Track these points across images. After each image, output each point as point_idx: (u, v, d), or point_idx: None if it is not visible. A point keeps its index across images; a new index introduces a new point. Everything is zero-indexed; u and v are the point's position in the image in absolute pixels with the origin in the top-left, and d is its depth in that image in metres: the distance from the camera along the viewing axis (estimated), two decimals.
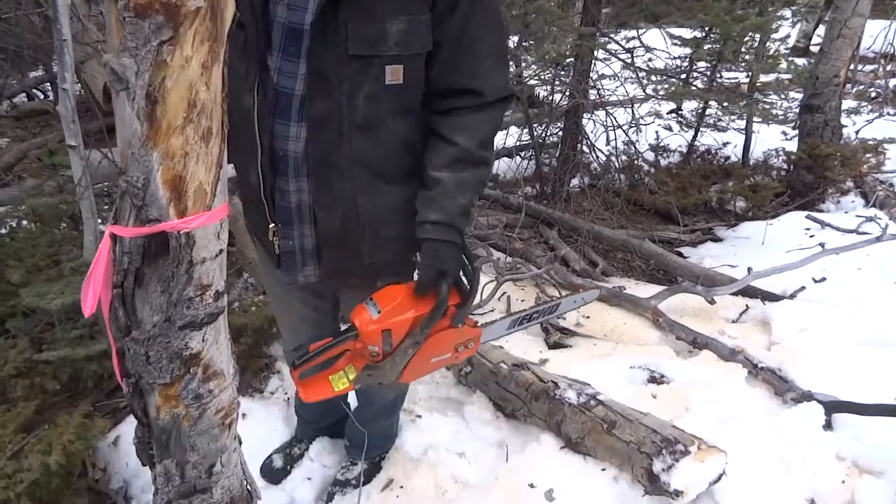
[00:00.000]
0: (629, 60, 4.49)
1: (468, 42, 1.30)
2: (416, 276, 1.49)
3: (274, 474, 2.18)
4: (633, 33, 4.64)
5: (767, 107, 4.60)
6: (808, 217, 4.10)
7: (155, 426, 1.00)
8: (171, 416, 0.97)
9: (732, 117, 4.90)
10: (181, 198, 0.79)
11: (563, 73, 4.77)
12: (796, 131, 5.00)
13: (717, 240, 4.31)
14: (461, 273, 1.41)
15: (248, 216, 1.60)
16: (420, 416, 2.39)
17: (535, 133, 4.95)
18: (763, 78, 5.10)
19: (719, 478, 1.94)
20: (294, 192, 1.41)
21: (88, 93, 3.56)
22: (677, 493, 1.87)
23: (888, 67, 7.75)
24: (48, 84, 6.17)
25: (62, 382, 2.44)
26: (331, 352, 1.42)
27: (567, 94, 4.69)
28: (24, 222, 3.16)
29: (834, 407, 2.30)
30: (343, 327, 1.68)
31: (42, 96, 6.45)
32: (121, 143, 0.77)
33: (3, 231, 3.16)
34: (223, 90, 0.79)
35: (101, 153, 3.09)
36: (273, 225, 1.45)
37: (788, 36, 4.81)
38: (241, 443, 1.15)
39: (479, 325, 1.56)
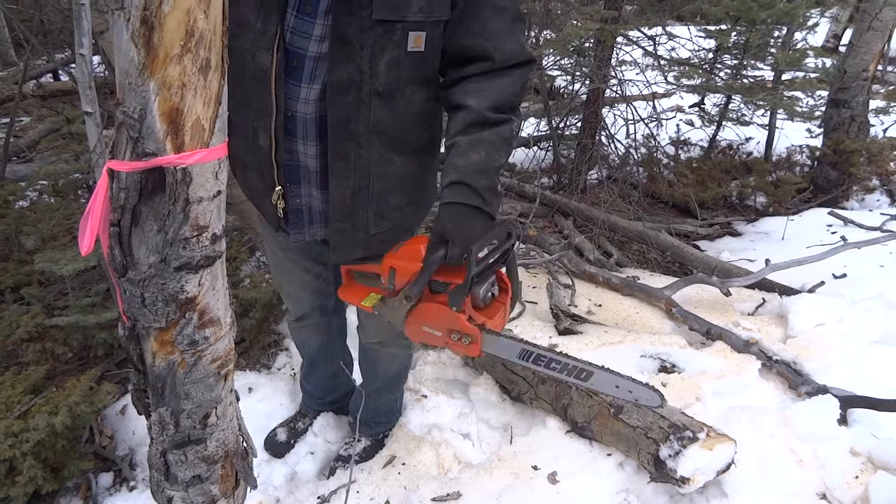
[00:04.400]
0: (651, 48, 4.41)
1: (476, 2, 1.28)
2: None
3: (277, 447, 2.19)
4: (656, 21, 4.57)
5: (792, 101, 4.50)
6: (830, 213, 4.01)
7: (151, 374, 0.99)
8: (167, 362, 0.96)
9: (757, 112, 4.80)
10: (178, 132, 0.78)
11: (583, 60, 4.71)
12: (821, 129, 4.89)
13: (736, 234, 4.23)
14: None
15: (245, 181, 1.55)
16: (425, 396, 2.38)
17: (553, 123, 4.90)
18: (789, 75, 4.99)
19: (728, 467, 1.89)
20: (301, 153, 1.40)
21: (108, 65, 3.58)
22: (683, 481, 1.82)
23: None
24: (74, 65, 6.24)
25: (73, 350, 2.47)
26: (369, 266, 1.50)
27: (587, 81, 4.63)
28: (45, 196, 3.21)
29: (850, 402, 2.24)
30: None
31: (68, 77, 6.53)
32: (118, 73, 0.76)
33: (24, 203, 3.21)
34: (223, 24, 0.77)
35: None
36: (279, 187, 1.44)
37: (817, 24, 4.68)
38: (238, 399, 1.14)
39: (484, 327, 1.33)
